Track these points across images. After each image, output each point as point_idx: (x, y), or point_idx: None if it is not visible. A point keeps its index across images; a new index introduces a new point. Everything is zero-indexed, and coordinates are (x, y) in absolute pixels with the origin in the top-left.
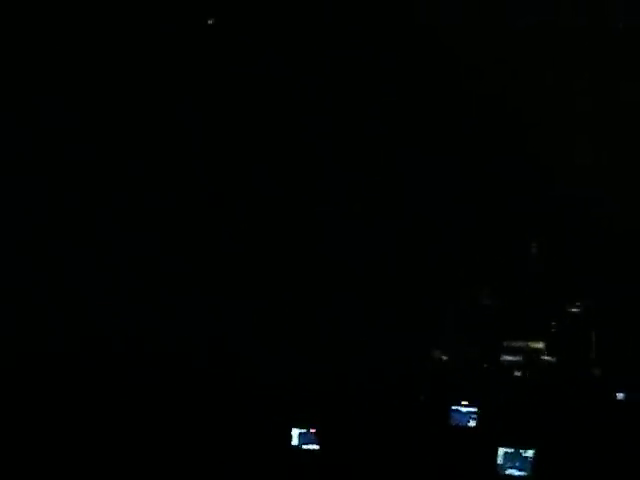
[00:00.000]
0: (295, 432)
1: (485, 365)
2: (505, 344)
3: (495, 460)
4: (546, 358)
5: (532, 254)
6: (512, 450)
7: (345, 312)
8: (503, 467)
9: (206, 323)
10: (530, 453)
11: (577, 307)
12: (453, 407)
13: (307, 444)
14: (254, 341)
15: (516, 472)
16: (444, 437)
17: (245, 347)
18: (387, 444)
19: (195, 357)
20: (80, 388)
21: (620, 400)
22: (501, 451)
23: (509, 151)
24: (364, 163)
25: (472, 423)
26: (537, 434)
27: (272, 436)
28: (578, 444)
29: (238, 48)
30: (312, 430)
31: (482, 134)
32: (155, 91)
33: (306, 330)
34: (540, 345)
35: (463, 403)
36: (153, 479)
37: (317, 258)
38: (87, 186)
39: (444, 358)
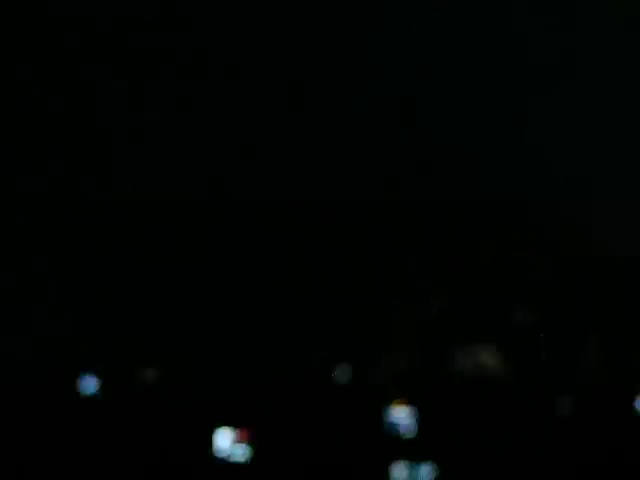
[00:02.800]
0: (223, 432)
1: (429, 371)
2: (451, 351)
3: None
4: (493, 365)
5: (481, 261)
6: (407, 464)
7: (287, 314)
8: None
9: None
10: (425, 468)
11: (524, 313)
12: (388, 411)
13: (235, 445)
14: (183, 340)
15: None
16: (379, 441)
17: (174, 346)
18: (316, 445)
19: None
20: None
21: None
22: (396, 465)
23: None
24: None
25: (409, 425)
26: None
27: (197, 436)
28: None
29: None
30: (240, 431)
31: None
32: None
33: (246, 331)
34: (487, 352)
35: (398, 408)
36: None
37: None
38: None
39: (387, 364)
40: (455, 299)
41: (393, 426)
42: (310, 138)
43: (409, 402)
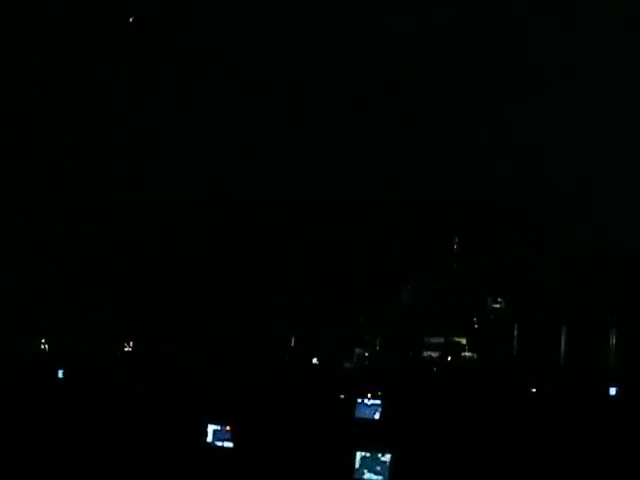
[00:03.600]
0: (210, 429)
1: (404, 361)
2: (426, 340)
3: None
4: (467, 354)
5: (453, 252)
6: (369, 454)
7: (268, 312)
8: (360, 471)
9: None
10: (387, 457)
11: (499, 303)
12: (359, 400)
13: (221, 441)
14: (173, 337)
15: (374, 476)
16: (349, 429)
17: (167, 342)
18: (296, 441)
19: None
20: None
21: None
22: (359, 455)
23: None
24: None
25: (377, 416)
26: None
27: (187, 432)
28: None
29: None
30: (227, 427)
31: None
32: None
33: (227, 328)
34: (462, 341)
35: (368, 396)
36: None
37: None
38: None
39: (366, 355)
40: (431, 293)
41: (362, 415)
42: (309, 139)
43: (378, 393)
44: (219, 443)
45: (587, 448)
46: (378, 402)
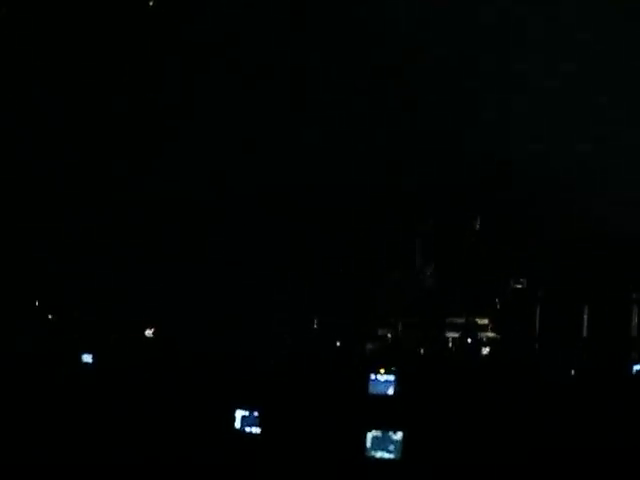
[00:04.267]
0: (238, 414)
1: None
2: (448, 320)
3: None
4: (490, 334)
5: (475, 230)
6: (380, 433)
7: (286, 295)
8: (371, 450)
9: (149, 304)
10: (399, 436)
11: (521, 283)
12: (372, 377)
13: (250, 427)
14: (198, 323)
15: (385, 455)
16: (363, 405)
17: (190, 329)
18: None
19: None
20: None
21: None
22: (369, 435)
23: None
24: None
25: (390, 391)
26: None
27: (215, 418)
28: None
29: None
30: (255, 413)
31: None
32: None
33: (248, 313)
34: (484, 321)
35: (381, 371)
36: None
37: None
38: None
39: (388, 336)
40: (446, 274)
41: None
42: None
43: (392, 369)
44: (248, 429)
45: (609, 428)
46: (392, 378)
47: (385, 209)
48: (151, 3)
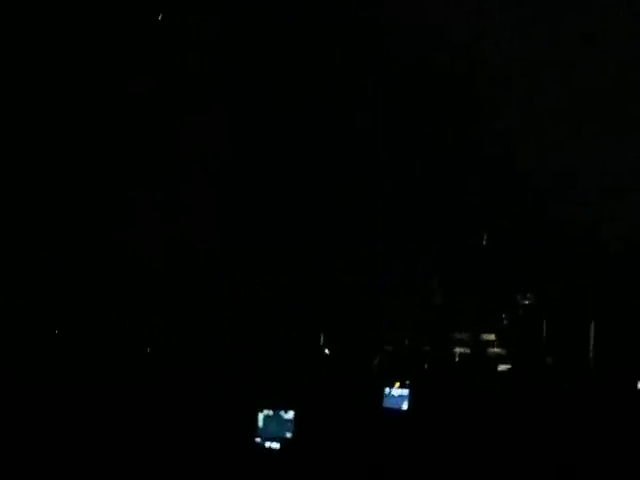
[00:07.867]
0: (261, 417)
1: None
2: (456, 336)
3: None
4: (496, 350)
5: (482, 247)
6: (272, 413)
7: (312, 309)
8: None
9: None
10: (290, 415)
11: (528, 299)
12: (386, 391)
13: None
14: (225, 328)
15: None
16: (378, 419)
17: (215, 333)
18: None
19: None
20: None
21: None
22: (260, 415)
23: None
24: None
25: (404, 406)
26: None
27: (239, 421)
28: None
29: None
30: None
31: None
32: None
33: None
34: (491, 337)
35: (396, 386)
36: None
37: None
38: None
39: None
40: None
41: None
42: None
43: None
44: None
45: (614, 442)
46: (406, 392)
47: (393, 225)
48: (160, 17)
